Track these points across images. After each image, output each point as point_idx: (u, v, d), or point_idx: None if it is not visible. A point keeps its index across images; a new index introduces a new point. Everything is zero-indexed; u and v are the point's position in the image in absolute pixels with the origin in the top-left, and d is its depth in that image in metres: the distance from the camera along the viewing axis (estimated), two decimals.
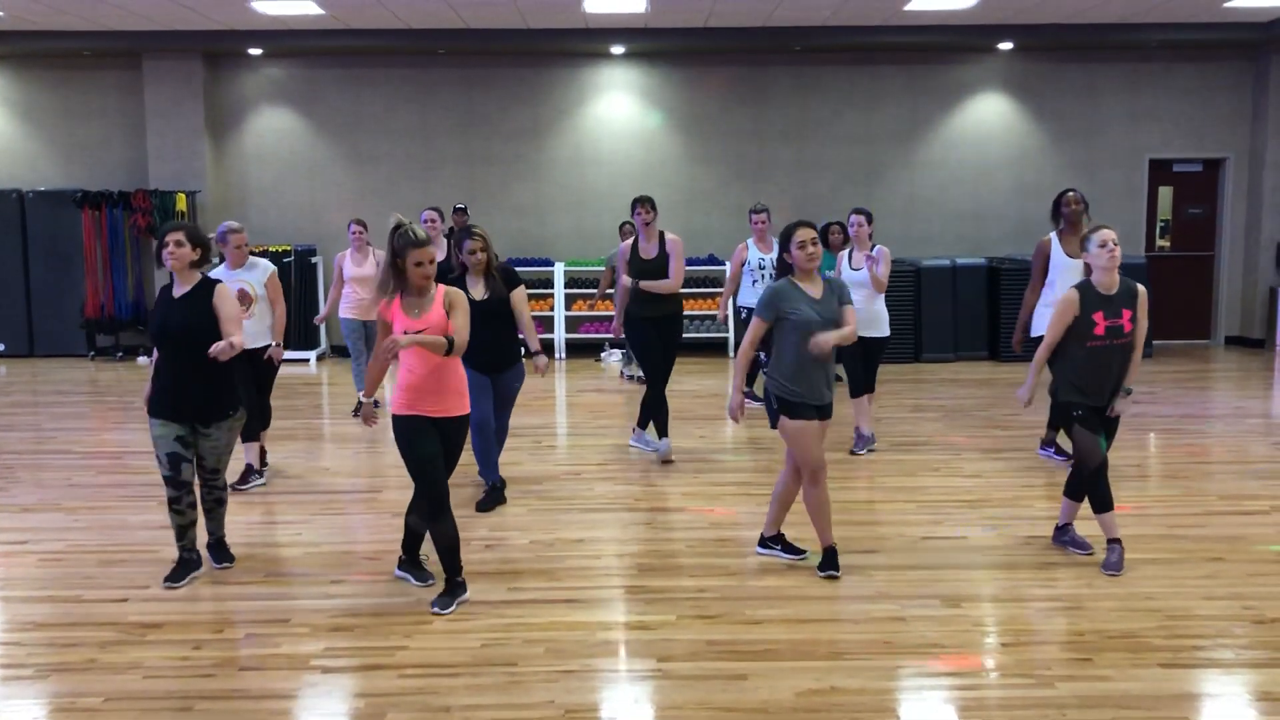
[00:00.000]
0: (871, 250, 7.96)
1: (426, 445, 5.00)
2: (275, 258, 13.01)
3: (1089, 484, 5.53)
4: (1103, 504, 5.51)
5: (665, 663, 4.47)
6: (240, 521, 6.50)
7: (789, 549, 5.75)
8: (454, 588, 5.10)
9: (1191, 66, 13.51)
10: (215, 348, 5.11)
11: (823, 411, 5.37)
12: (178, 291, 5.36)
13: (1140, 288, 5.51)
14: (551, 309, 13.35)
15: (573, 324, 13.51)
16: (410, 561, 5.44)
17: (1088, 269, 5.51)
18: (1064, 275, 7.26)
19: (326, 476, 7.58)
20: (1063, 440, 7.65)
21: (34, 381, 11.83)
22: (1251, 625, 4.81)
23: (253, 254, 7.43)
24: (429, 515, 5.06)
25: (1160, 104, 13.60)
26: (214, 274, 7.02)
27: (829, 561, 5.47)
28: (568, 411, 10.29)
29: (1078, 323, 5.44)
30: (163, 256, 5.32)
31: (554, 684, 4.28)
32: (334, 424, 9.57)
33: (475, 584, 5.34)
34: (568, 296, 13.36)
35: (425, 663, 4.48)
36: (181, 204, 13.00)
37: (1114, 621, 4.85)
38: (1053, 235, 7.49)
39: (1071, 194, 7.45)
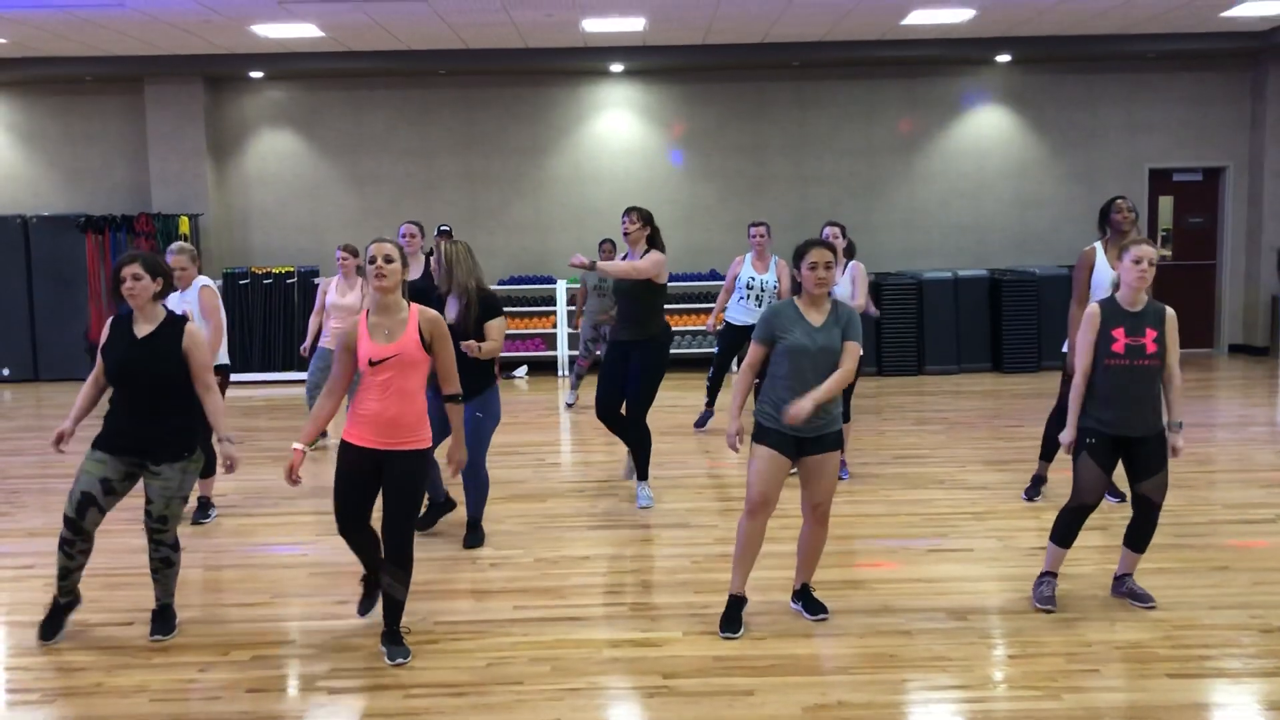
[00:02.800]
0: (845, 267, 7.68)
1: (354, 485, 4.69)
2: (278, 279, 13.05)
3: (1065, 515, 5.17)
4: (1064, 539, 5.18)
5: (671, 679, 4.47)
6: (244, 542, 6.51)
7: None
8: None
9: (1190, 76, 13.54)
10: (227, 458, 4.87)
11: (807, 446, 4.85)
12: (140, 330, 4.85)
13: (1170, 310, 5.03)
14: (554, 326, 13.37)
15: (575, 341, 13.50)
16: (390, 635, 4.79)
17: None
18: (1109, 290, 6.49)
19: (330, 496, 7.56)
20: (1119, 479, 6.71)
21: (39, 406, 11.85)
22: (1259, 634, 4.80)
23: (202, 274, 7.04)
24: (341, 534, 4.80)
25: (1159, 114, 13.63)
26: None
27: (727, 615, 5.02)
28: (571, 429, 10.29)
29: (1098, 339, 5.02)
30: (121, 292, 4.81)
31: (560, 702, 4.28)
32: (336, 443, 9.55)
33: (480, 603, 5.34)
34: (570, 314, 13.37)
35: (431, 682, 4.48)
36: (184, 227, 13.04)
37: (1120, 632, 4.84)
38: (1097, 245, 6.82)
39: (1122, 201, 6.71)
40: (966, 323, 12.83)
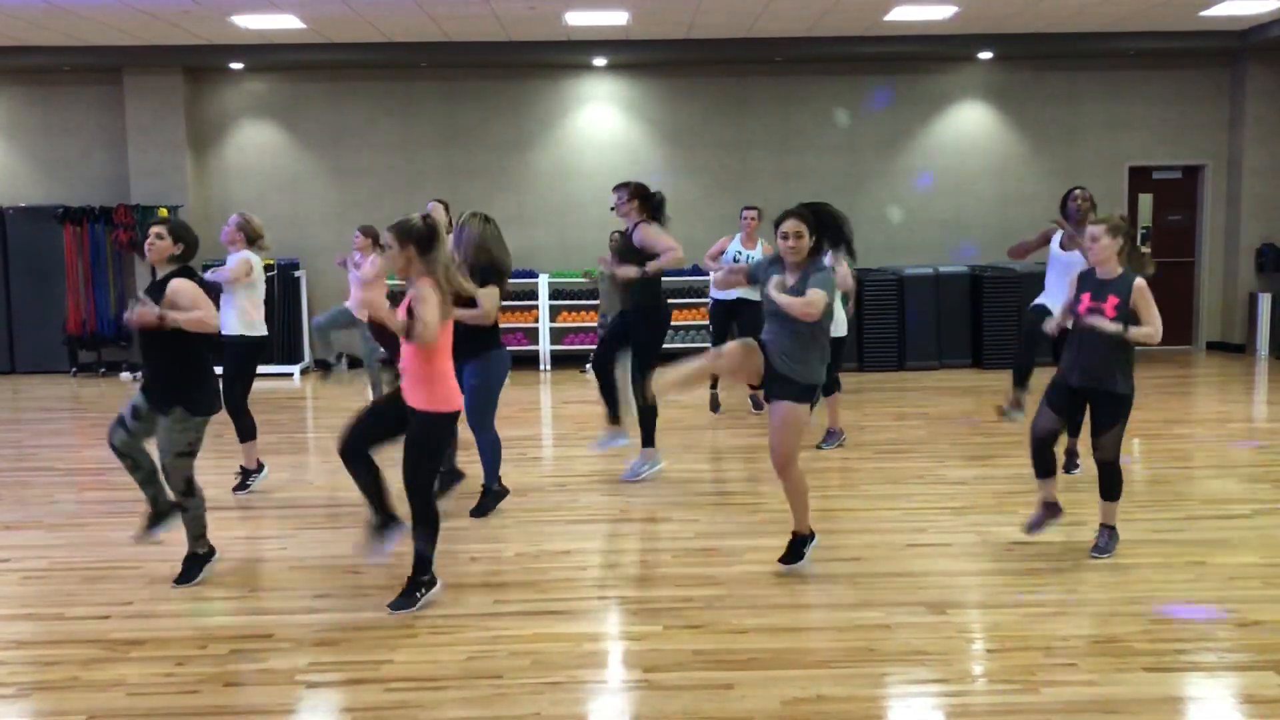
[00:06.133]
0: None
1: (375, 406, 5.35)
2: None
3: (1033, 450, 5.85)
4: (1038, 470, 5.87)
5: (651, 673, 4.47)
6: (224, 536, 6.46)
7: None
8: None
9: (1169, 74, 13.62)
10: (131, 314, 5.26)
11: (770, 388, 5.39)
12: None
13: (1138, 280, 5.56)
14: (536, 320, 13.35)
15: (557, 335, 13.51)
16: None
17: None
18: (1056, 267, 7.42)
19: (311, 490, 7.56)
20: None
21: (15, 398, 11.76)
22: (1234, 628, 4.83)
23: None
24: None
25: (1139, 111, 13.70)
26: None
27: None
28: (553, 423, 10.29)
29: (1074, 300, 5.72)
30: (144, 248, 5.44)
31: (540, 696, 4.27)
32: (318, 438, 9.54)
33: (461, 596, 5.33)
34: (552, 308, 13.37)
35: (411, 676, 4.47)
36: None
37: (1098, 626, 4.87)
38: (1059, 230, 7.54)
39: (1079, 191, 7.52)
40: (947, 319, 12.88)
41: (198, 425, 5.41)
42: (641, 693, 4.31)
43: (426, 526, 5.10)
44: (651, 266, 7.14)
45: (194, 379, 5.40)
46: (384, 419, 5.20)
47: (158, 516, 5.63)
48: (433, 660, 4.62)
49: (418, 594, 5.15)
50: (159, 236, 5.37)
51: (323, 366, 9.78)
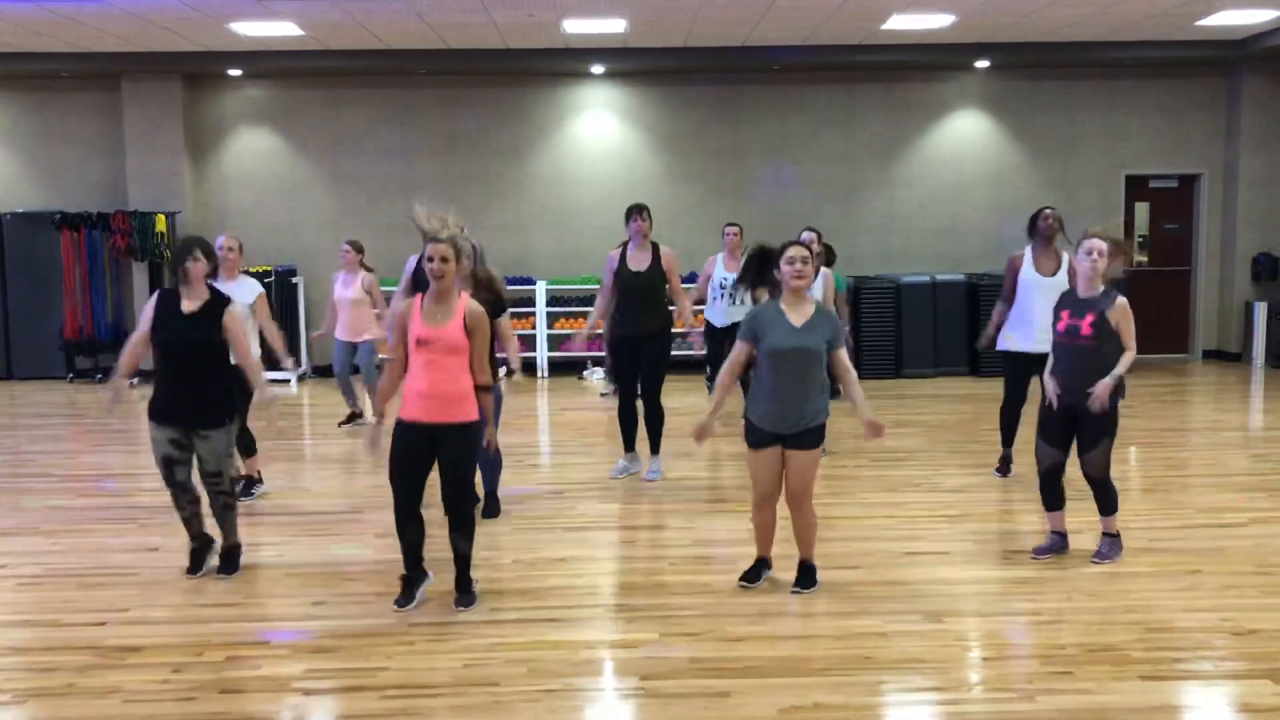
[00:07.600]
0: (817, 273, 8.28)
1: (409, 461, 5.09)
2: (256, 278, 12.96)
3: (1040, 484, 5.95)
4: (1048, 504, 5.97)
5: (648, 681, 4.47)
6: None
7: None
8: (412, 582, 5.34)
9: (1166, 83, 13.65)
10: (268, 400, 5.76)
11: (788, 441, 5.18)
12: (187, 306, 5.55)
13: (1120, 299, 5.59)
14: (533, 327, 13.36)
15: (555, 342, 13.51)
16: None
17: (1072, 277, 5.66)
18: (1030, 293, 7.32)
19: (308, 497, 7.55)
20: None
21: (12, 404, 11.74)
22: (1230, 637, 4.84)
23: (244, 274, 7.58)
24: (396, 521, 5.20)
25: (1136, 121, 13.73)
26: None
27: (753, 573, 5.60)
28: (550, 430, 10.29)
29: (1053, 321, 5.80)
30: (183, 269, 5.56)
31: (536, 704, 4.27)
32: (315, 444, 9.54)
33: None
34: (549, 315, 13.37)
35: (407, 683, 4.46)
36: (161, 225, 12.95)
37: (1094, 634, 4.88)
38: (1026, 250, 7.47)
39: (1048, 211, 7.48)
40: (944, 326, 12.89)
41: (235, 428, 5.76)
42: (638, 700, 4.31)
43: (471, 527, 5.27)
44: (687, 321, 8.06)
45: (233, 389, 5.73)
46: (421, 458, 5.11)
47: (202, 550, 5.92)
48: (429, 667, 4.61)
49: (474, 588, 5.35)
50: (194, 260, 5.55)
51: (350, 418, 10.01)
